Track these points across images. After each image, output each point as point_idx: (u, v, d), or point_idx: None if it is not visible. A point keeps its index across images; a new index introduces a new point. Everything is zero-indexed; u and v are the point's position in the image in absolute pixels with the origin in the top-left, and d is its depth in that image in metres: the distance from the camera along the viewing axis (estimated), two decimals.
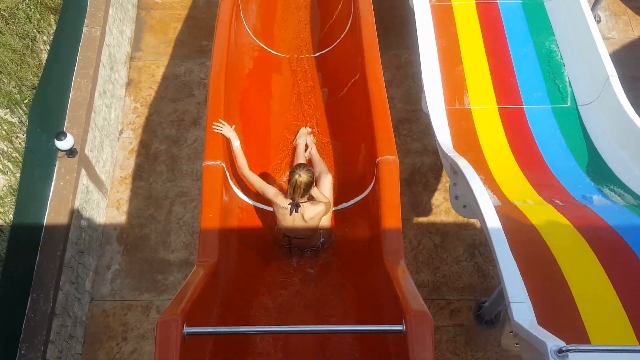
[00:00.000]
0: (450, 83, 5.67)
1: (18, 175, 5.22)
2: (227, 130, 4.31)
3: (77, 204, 5.43)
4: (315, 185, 4.24)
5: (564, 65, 5.68)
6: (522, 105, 5.49)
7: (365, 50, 4.90)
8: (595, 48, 5.32)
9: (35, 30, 6.67)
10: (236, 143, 4.31)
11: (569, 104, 5.45)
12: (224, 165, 4.21)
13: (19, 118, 6.01)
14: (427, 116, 5.18)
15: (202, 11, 7.78)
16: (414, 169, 6.28)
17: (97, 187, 5.96)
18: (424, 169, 6.29)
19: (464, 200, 4.58)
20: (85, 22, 6.36)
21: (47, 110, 5.44)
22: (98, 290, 5.70)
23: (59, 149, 5.35)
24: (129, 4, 7.53)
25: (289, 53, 5.94)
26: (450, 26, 6.13)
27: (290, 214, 4.16)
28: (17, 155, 5.56)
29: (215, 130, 4.28)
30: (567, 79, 5.60)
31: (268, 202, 4.62)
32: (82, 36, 6.26)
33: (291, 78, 5.74)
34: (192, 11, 7.79)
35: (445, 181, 6.18)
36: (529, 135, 5.26)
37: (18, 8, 6.79)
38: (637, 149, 4.72)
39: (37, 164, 5.20)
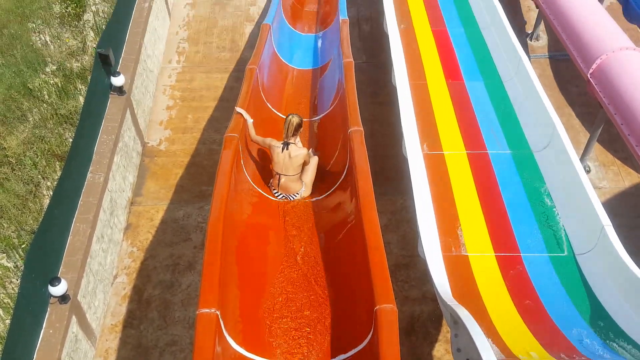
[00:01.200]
0: (446, 229, 5.74)
1: (7, 322, 5.07)
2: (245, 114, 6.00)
3: (64, 354, 5.20)
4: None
5: (558, 214, 5.79)
6: (520, 253, 5.51)
7: (361, 197, 5.01)
8: (588, 197, 5.46)
9: (40, 176, 6.88)
10: (250, 120, 6.05)
11: (566, 252, 5.47)
12: (218, 313, 4.09)
13: (15, 263, 5.98)
14: (425, 262, 5.17)
15: (204, 158, 8.09)
16: (413, 318, 6.12)
17: (87, 335, 5.75)
18: (423, 318, 6.13)
19: (467, 354, 4.39)
20: (90, 169, 6.56)
21: (44, 254, 5.41)
22: None
23: (51, 295, 5.25)
24: (133, 152, 7.84)
25: (286, 199, 6.08)
26: (443, 174, 6.35)
27: (282, 151, 5.79)
28: (9, 301, 5.46)
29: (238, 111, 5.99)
30: (562, 228, 5.68)
31: (263, 352, 4.44)
32: (86, 182, 6.43)
33: (288, 223, 5.80)
34: (194, 158, 8.10)
35: (445, 331, 6.00)
36: (528, 284, 5.20)
37: (25, 155, 7.06)
38: (637, 299, 4.65)
39: (29, 311, 5.06)
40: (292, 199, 5.97)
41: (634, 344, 4.47)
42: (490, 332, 4.61)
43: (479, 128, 6.90)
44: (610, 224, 5.18)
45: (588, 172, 7.82)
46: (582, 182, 5.60)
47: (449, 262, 5.31)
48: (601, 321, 4.80)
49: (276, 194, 6.03)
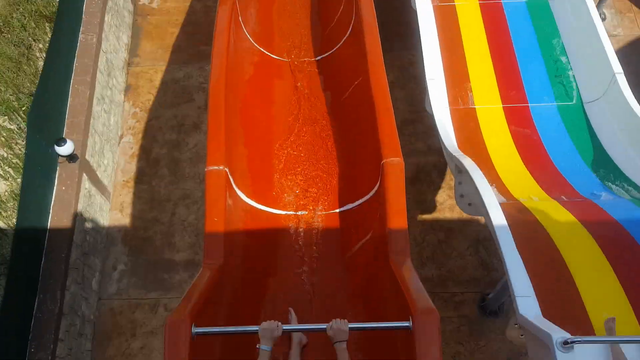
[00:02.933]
0: (454, 83, 5.65)
1: (19, 180, 5.20)
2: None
3: (80, 207, 5.42)
4: None
5: (570, 63, 5.67)
6: (527, 103, 5.47)
7: (369, 53, 4.87)
8: (601, 45, 5.30)
9: (30, 39, 6.64)
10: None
11: (574, 101, 5.43)
12: (227, 170, 4.17)
13: (18, 125, 5.98)
14: (431, 117, 5.16)
15: (199, 16, 7.76)
16: (418, 168, 6.27)
17: (100, 191, 5.93)
18: (428, 168, 6.29)
19: (469, 199, 4.56)
20: (81, 30, 6.34)
21: (46, 117, 5.42)
22: (105, 289, 5.70)
23: (59, 155, 5.34)
24: (124, 11, 7.51)
25: (290, 57, 5.91)
26: (454, 26, 6.11)
27: None
28: (18, 161, 5.54)
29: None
30: (572, 77, 5.58)
31: (272, 203, 4.60)
32: (78, 43, 6.24)
33: (292, 82, 5.70)
34: (190, 16, 7.77)
35: (449, 179, 6.18)
36: (534, 133, 5.23)
37: (12, 17, 6.76)
38: None
39: (38, 170, 5.18)
40: None
41: (635, 185, 4.60)
42: (493, 178, 4.74)
43: None
44: (622, 71, 5.09)
45: (603, 19, 7.53)
46: (596, 30, 5.40)
47: (455, 115, 5.30)
48: (604, 167, 4.90)
49: None
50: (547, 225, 4.03)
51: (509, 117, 5.38)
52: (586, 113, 5.31)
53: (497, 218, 3.86)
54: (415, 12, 5.86)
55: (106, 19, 6.72)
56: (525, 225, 4.03)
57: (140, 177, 6.34)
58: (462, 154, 4.67)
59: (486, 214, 3.95)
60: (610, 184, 4.74)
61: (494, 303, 5.32)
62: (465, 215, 5.85)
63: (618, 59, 5.19)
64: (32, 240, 5.00)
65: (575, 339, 3.00)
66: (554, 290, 3.67)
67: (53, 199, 5.30)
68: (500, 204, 4.00)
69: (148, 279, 5.73)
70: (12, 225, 5.03)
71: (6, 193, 5.35)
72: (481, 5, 6.22)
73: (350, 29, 5.71)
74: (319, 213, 4.63)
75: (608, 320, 3.45)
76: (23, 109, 6.07)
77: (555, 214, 4.15)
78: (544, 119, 5.33)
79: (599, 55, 5.30)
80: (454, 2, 6.27)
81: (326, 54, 5.90)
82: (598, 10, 6.42)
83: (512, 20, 6.09)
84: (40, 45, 6.58)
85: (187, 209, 6.08)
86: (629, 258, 3.83)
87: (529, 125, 5.30)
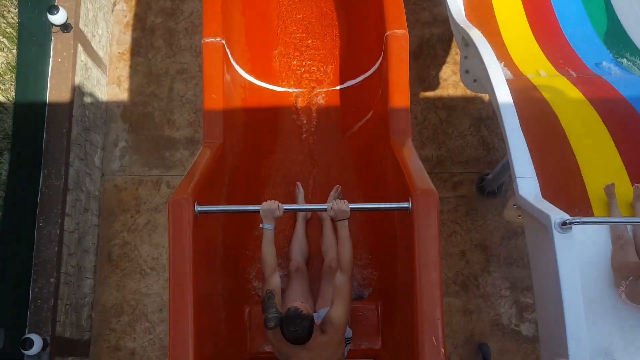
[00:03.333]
0: None
1: (15, 51, 5.07)
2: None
3: (77, 80, 5.33)
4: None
5: None
6: None
7: None
8: None
9: None
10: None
11: None
12: (224, 42, 4.02)
13: None
14: None
15: None
16: (422, 41, 6.03)
17: (96, 63, 5.79)
18: (433, 41, 6.03)
19: (475, 74, 4.44)
20: None
21: None
22: (108, 166, 5.79)
23: (52, 24, 5.16)
24: None
25: None
26: None
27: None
28: (12, 30, 5.35)
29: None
30: None
31: (271, 80, 4.50)
32: None
33: None
34: None
35: (454, 53, 5.96)
36: (547, 3, 4.96)
37: None
38: None
39: (33, 40, 5.03)
40: None
41: None
42: (501, 53, 4.57)
43: None
44: None
45: None
46: None
47: None
48: (617, 39, 4.70)
49: None
50: (553, 104, 3.96)
51: None
52: None
53: (503, 95, 3.77)
54: None
55: None
56: (532, 104, 3.96)
57: (136, 49, 6.14)
58: (470, 24, 4.47)
59: (491, 91, 3.86)
60: (621, 58, 4.57)
61: (493, 183, 5.34)
62: (469, 93, 5.72)
63: None
64: (32, 114, 4.97)
65: (574, 220, 3.04)
66: (556, 170, 3.69)
67: (50, 71, 5.19)
68: (507, 80, 3.90)
69: (150, 156, 5.78)
70: (11, 99, 4.99)
71: (3, 65, 5.24)
72: None
73: None
74: (320, 90, 4.54)
75: (608, 186, 3.52)
76: None
77: (563, 91, 4.06)
78: None
79: None
80: None
81: None
82: None
83: None
84: None
85: (185, 84, 5.97)
86: (634, 136, 3.81)
87: None
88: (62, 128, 5.05)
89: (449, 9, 4.66)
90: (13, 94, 4.96)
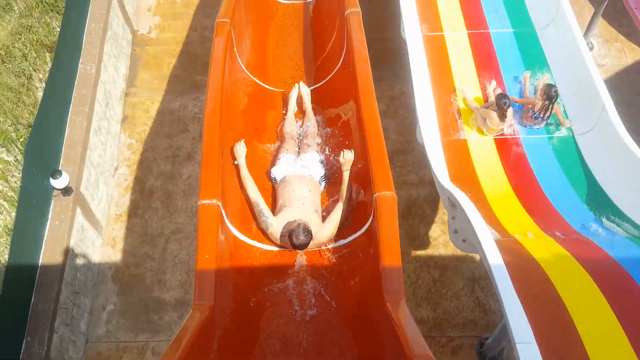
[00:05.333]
0: (445, 113, 5.67)
1: (13, 214, 5.17)
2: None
3: (72, 243, 5.38)
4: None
5: (559, 93, 5.69)
6: (518, 135, 5.49)
7: (359, 83, 4.89)
8: (590, 76, 5.34)
9: (31, 68, 6.67)
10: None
11: (565, 133, 5.45)
12: (220, 204, 4.16)
13: (15, 157, 5.98)
14: (422, 147, 5.16)
15: (196, 47, 7.82)
16: (410, 201, 6.24)
17: (93, 225, 5.89)
18: (420, 201, 6.25)
19: (463, 234, 4.53)
20: (80, 60, 6.37)
21: (43, 148, 5.42)
22: (93, 331, 5.59)
23: (54, 188, 5.32)
24: (123, 41, 7.56)
25: (283, 87, 5.94)
26: (443, 56, 6.16)
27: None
28: (13, 194, 5.52)
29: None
30: (562, 107, 5.60)
31: (264, 239, 4.57)
32: (78, 73, 6.27)
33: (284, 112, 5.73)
34: (186, 47, 7.83)
35: (442, 212, 6.14)
36: (526, 165, 5.24)
37: (14, 46, 6.80)
38: (635, 178, 4.70)
39: (33, 204, 5.15)
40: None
41: (630, 220, 4.58)
42: (487, 213, 4.71)
43: (481, 6, 6.60)
44: (612, 102, 5.11)
45: (591, 49, 7.59)
46: (584, 60, 5.45)
47: (447, 146, 5.31)
48: (599, 201, 4.89)
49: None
50: (544, 265, 3.99)
51: (500, 148, 5.39)
52: (578, 145, 5.32)
53: (493, 257, 3.81)
54: (405, 42, 5.91)
55: (105, 48, 6.76)
56: (522, 265, 3.99)
57: (134, 210, 6.32)
58: (454, 187, 4.65)
59: (482, 252, 3.90)
60: (605, 219, 4.72)
61: (493, 349, 5.15)
62: (459, 252, 5.73)
63: (607, 89, 5.22)
64: (23, 277, 4.93)
65: None
66: (554, 334, 3.61)
67: (46, 234, 5.25)
68: (496, 241, 3.97)
69: (137, 320, 5.64)
70: (3, 262, 4.98)
71: (0, 228, 5.32)
72: (469, 35, 6.28)
73: (342, 59, 5.75)
74: (311, 249, 4.59)
75: None
76: (21, 140, 6.08)
77: (552, 253, 4.12)
78: (535, 151, 5.34)
79: (588, 86, 5.34)
80: (442, 32, 6.33)
81: (319, 84, 5.93)
82: (585, 39, 6.49)
83: (500, 50, 6.14)
84: (40, 75, 6.61)
85: (179, 244, 6.04)
86: (627, 297, 3.79)
87: (521, 157, 5.31)
88: (51, 292, 4.98)
89: (434, 172, 4.88)
90: (6, 257, 4.97)
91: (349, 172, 4.55)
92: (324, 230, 4.45)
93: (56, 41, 6.30)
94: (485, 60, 6.08)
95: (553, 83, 5.74)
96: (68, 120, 5.92)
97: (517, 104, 5.67)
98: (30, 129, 5.48)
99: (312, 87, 5.87)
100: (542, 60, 6.01)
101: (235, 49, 5.67)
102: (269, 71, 6.11)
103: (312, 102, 5.67)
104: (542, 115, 5.40)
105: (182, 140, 6.86)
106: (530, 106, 5.51)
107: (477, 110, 5.56)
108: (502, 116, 5.28)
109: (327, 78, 5.87)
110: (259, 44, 6.28)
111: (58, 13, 7.13)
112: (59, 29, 6.54)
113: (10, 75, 6.48)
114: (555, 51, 5.96)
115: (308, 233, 4.25)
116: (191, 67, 7.57)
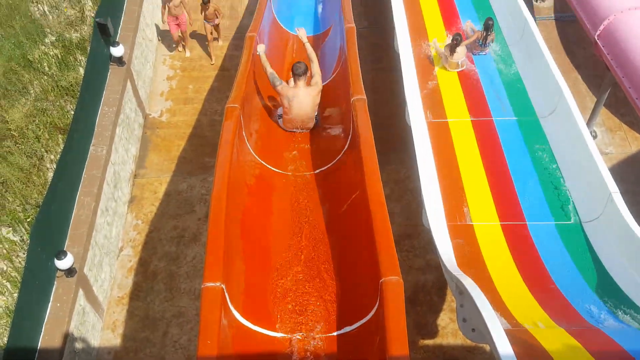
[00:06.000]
0: (451, 198, 5.69)
1: (15, 295, 5.11)
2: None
3: (72, 326, 5.26)
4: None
5: (565, 182, 5.72)
6: (525, 222, 5.46)
7: (365, 167, 4.95)
8: (595, 164, 5.38)
9: (43, 150, 6.84)
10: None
11: (572, 220, 5.42)
12: (224, 287, 4.09)
13: (21, 236, 6.00)
14: (429, 231, 5.14)
15: (205, 130, 8.02)
16: (417, 287, 6.14)
17: (94, 308, 5.80)
18: (428, 287, 6.15)
19: (472, 323, 4.41)
20: (92, 142, 6.52)
21: (49, 228, 5.43)
22: None
23: (58, 269, 5.28)
24: (135, 124, 7.77)
25: (290, 170, 6.01)
26: (447, 142, 6.27)
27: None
28: (16, 274, 5.49)
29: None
30: (569, 195, 5.61)
31: (267, 324, 4.46)
32: (89, 155, 6.39)
33: (292, 195, 5.76)
34: (196, 130, 8.03)
35: (450, 299, 6.01)
36: (534, 253, 5.18)
37: (28, 128, 7.01)
38: None
39: (35, 285, 5.08)
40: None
41: (639, 310, 4.47)
42: (496, 302, 4.61)
43: (483, 94, 6.79)
44: (618, 191, 5.12)
45: (595, 137, 7.72)
46: (589, 149, 5.51)
47: (453, 232, 5.28)
48: (609, 290, 4.79)
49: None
50: (556, 357, 3.84)
51: (508, 235, 5.35)
52: (586, 233, 5.28)
53: (504, 348, 3.67)
54: (409, 127, 6.03)
55: (117, 131, 6.94)
56: (534, 357, 3.85)
57: (136, 293, 6.24)
58: (462, 273, 4.59)
59: (492, 343, 3.78)
60: (616, 309, 4.60)
61: None
62: (469, 342, 5.57)
63: (613, 177, 5.25)
64: None
65: None
66: None
67: (47, 317, 5.15)
68: (506, 330, 3.85)
69: None
70: (2, 345, 4.87)
71: (0, 309, 5.25)
72: (473, 122, 6.42)
73: (347, 143, 5.86)
74: (316, 336, 4.46)
75: None
76: (28, 220, 6.12)
77: (564, 344, 3.98)
78: (543, 238, 5.30)
79: (594, 174, 5.37)
80: (446, 119, 6.47)
81: (325, 168, 6.00)
82: (589, 128, 6.61)
83: (504, 138, 6.25)
84: (52, 157, 6.75)
85: (180, 329, 5.91)
86: None
87: (529, 245, 5.26)
88: None
89: (441, 257, 4.84)
90: (5, 339, 4.86)
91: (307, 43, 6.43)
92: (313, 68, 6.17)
93: (69, 124, 6.48)
94: (489, 145, 6.20)
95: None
96: (76, 200, 5.96)
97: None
98: (38, 209, 5.52)
99: (318, 170, 5.94)
100: (546, 146, 6.10)
101: (243, 132, 5.80)
102: (276, 154, 6.21)
103: (319, 188, 5.71)
104: (484, 42, 7.23)
105: (188, 221, 6.88)
106: (476, 38, 7.31)
107: (441, 53, 7.24)
108: (453, 50, 7.00)
109: (334, 162, 5.96)
110: (266, 127, 6.43)
111: (73, 97, 7.41)
112: (72, 112, 6.76)
113: (22, 156, 6.63)
114: (559, 139, 6.05)
115: (305, 65, 5.93)
116: (200, 150, 7.74)
